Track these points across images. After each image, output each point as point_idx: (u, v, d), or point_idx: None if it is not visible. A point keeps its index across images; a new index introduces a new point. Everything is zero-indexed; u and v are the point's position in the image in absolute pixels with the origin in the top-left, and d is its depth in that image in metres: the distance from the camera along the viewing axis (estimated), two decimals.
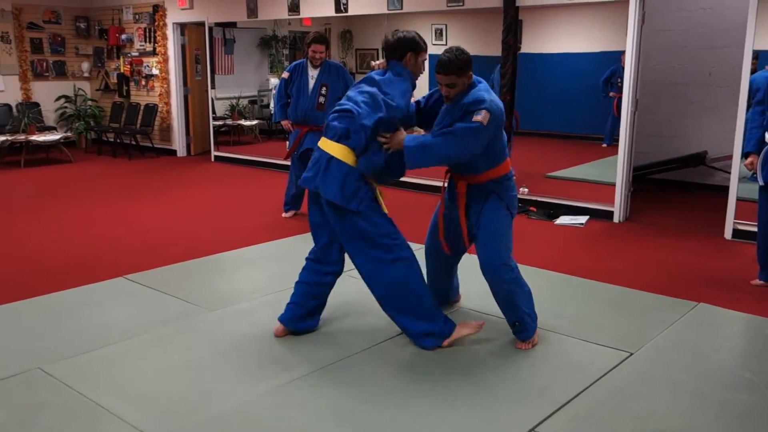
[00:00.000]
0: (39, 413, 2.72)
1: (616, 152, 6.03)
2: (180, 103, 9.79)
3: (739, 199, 5.32)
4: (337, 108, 3.20)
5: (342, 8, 7.62)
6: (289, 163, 6.10)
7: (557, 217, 6.07)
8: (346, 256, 3.34)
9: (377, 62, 3.34)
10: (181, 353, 3.26)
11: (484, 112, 3.02)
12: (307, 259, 3.42)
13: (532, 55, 9.62)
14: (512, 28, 6.31)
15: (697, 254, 5.01)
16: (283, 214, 6.08)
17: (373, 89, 3.17)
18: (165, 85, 9.78)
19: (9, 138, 8.90)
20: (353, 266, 3.31)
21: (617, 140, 6.04)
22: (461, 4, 6.72)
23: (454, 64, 3.05)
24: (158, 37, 9.65)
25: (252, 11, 8.52)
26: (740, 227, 5.34)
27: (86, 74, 10.76)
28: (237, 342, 3.37)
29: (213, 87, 9.65)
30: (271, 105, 8.12)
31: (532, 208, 6.32)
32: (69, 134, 9.82)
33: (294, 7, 8.07)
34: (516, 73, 6.45)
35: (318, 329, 3.50)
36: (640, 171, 6.97)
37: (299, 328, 3.43)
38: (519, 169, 7.11)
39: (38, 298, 3.99)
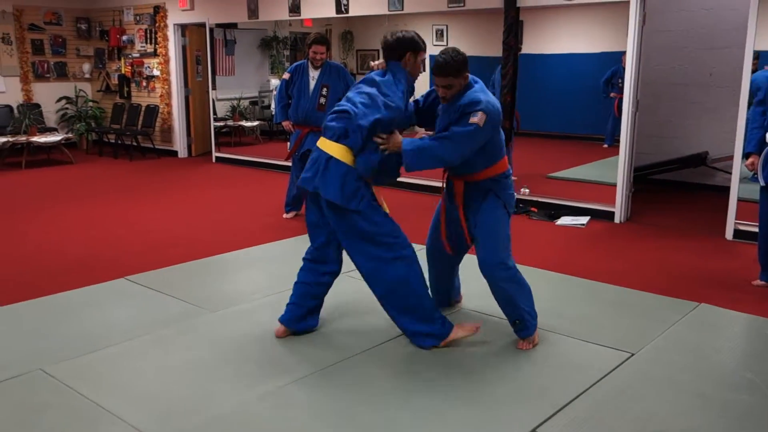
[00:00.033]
0: (40, 414, 2.72)
1: (616, 153, 6.03)
2: (181, 104, 9.80)
3: (740, 200, 5.31)
4: (335, 109, 3.21)
5: (343, 9, 7.63)
6: (290, 164, 6.11)
7: (558, 217, 6.07)
8: (345, 256, 3.34)
9: (376, 62, 3.34)
10: (182, 354, 3.26)
11: (480, 113, 3.02)
12: (304, 259, 3.42)
13: (533, 55, 9.62)
14: (513, 28, 6.31)
15: (698, 255, 5.01)
16: (284, 215, 6.08)
17: (373, 90, 3.17)
18: (166, 86, 9.79)
19: (10, 139, 8.91)
20: (353, 266, 3.32)
21: (618, 141, 6.04)
22: (462, 4, 6.72)
23: (451, 66, 3.05)
24: (159, 38, 9.66)
25: (253, 12, 8.52)
26: (741, 228, 5.33)
27: (87, 75, 10.77)
28: (238, 343, 3.37)
29: (214, 88, 9.66)
30: (272, 106, 8.12)
31: (533, 209, 6.32)
32: (70, 135, 9.83)
33: (295, 8, 8.07)
34: (517, 74, 6.45)
35: (318, 330, 3.50)
36: (641, 171, 6.97)
37: (299, 328, 3.43)
38: (520, 170, 7.15)
39: (39, 299, 4.00)
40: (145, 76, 10.04)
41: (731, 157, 5.46)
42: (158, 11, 9.59)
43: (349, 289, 4.06)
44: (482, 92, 3.12)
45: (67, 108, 10.49)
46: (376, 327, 3.52)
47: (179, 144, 9.96)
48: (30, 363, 3.14)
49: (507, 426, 2.63)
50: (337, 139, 3.12)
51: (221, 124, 10.08)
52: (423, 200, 6.53)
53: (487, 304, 3.56)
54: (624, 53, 5.89)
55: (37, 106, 10.08)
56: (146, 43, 9.92)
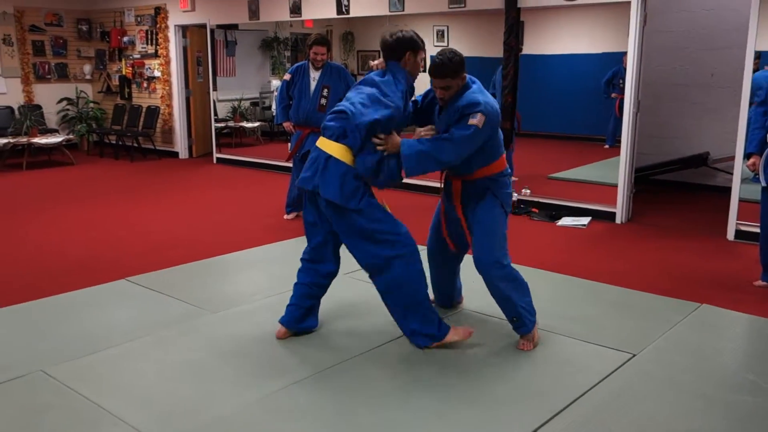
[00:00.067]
0: (41, 415, 2.72)
1: (618, 153, 6.03)
2: (182, 105, 9.81)
3: (741, 200, 5.31)
4: (334, 109, 3.21)
5: (343, 10, 7.63)
6: (290, 165, 6.10)
7: (559, 218, 6.06)
8: (345, 255, 3.34)
9: (376, 62, 3.34)
10: (183, 355, 3.26)
11: (479, 115, 3.03)
12: (302, 259, 3.42)
13: (533, 56, 9.62)
14: (514, 29, 6.31)
15: (700, 255, 5.00)
16: (285, 216, 6.08)
17: (372, 90, 3.17)
18: (167, 88, 9.79)
19: (11, 140, 8.92)
20: (353, 267, 3.31)
21: (619, 141, 6.04)
22: (463, 5, 6.72)
23: (448, 67, 3.06)
24: (160, 40, 9.67)
25: (253, 13, 8.53)
26: (743, 228, 5.33)
27: (88, 76, 10.78)
28: (239, 344, 3.37)
29: (215, 89, 9.66)
30: (273, 107, 8.12)
31: (534, 210, 6.31)
32: (71, 137, 9.84)
33: (295, 9, 8.08)
34: (518, 75, 6.45)
35: (318, 331, 3.50)
36: (642, 172, 6.96)
37: (299, 329, 3.44)
38: (521, 171, 7.15)
39: (40, 300, 4.00)
40: (146, 77, 10.05)
41: (732, 158, 5.46)
42: (159, 12, 9.60)
43: (349, 290, 4.06)
44: (480, 93, 3.12)
45: (68, 109, 10.49)
46: (376, 328, 3.52)
47: (180, 145, 9.97)
48: (31, 364, 3.14)
49: (508, 427, 2.63)
50: (336, 139, 3.11)
51: (222, 125, 10.09)
52: (423, 201, 6.52)
53: (488, 305, 3.55)
54: (625, 54, 5.89)
55: (38, 107, 10.09)
56: (147, 44, 9.93)
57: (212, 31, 9.34)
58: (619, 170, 5.96)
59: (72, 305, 3.94)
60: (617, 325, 3.64)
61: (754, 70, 5.17)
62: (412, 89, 3.33)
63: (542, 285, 4.23)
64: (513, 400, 2.83)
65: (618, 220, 5.99)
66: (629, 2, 5.68)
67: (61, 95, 10.44)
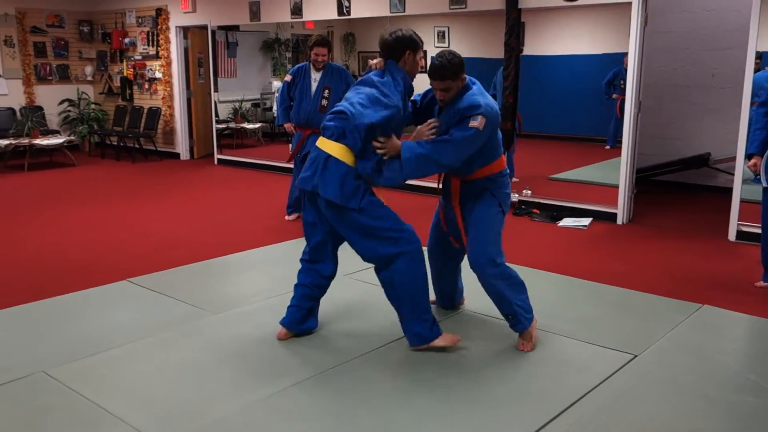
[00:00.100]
0: (43, 416, 2.72)
1: (619, 154, 6.03)
2: (183, 106, 9.82)
3: (742, 201, 5.31)
4: (333, 109, 3.21)
5: (344, 11, 7.64)
6: (291, 166, 6.11)
7: (560, 219, 6.06)
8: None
9: (374, 61, 3.33)
10: (184, 356, 3.26)
11: (480, 117, 3.03)
12: (301, 260, 3.42)
13: (534, 57, 9.62)
14: (515, 30, 6.31)
15: (701, 256, 5.00)
16: (287, 217, 6.08)
17: (372, 90, 3.16)
18: (168, 89, 9.80)
19: (13, 142, 8.93)
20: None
21: (620, 142, 6.04)
22: (464, 6, 6.73)
23: (448, 69, 3.05)
24: (161, 41, 9.68)
25: (255, 14, 8.53)
26: (744, 229, 5.33)
27: (89, 78, 10.79)
28: (240, 345, 3.37)
29: (216, 90, 9.67)
30: (274, 108, 8.12)
31: (535, 210, 6.31)
32: (72, 138, 9.84)
33: (296, 10, 8.08)
34: (519, 76, 6.45)
35: (319, 332, 3.50)
36: (643, 173, 6.96)
37: (300, 330, 3.44)
38: (522, 171, 7.16)
39: (42, 302, 4.00)
40: (147, 78, 10.05)
41: (734, 159, 5.45)
42: (160, 14, 9.61)
43: (350, 291, 4.06)
44: (481, 95, 3.12)
45: (69, 110, 10.50)
46: (376, 330, 3.52)
47: (181, 146, 9.97)
48: (32, 365, 3.15)
49: (508, 428, 2.63)
50: (336, 139, 3.11)
51: (223, 126, 10.09)
52: (424, 201, 6.52)
53: (490, 306, 3.54)
54: (626, 54, 5.89)
55: (40, 108, 10.10)
56: (148, 45, 9.94)
57: (213, 33, 9.34)
58: (620, 171, 5.96)
59: (73, 306, 3.94)
60: (618, 325, 3.63)
61: (756, 71, 5.17)
62: (411, 89, 3.33)
63: (543, 286, 4.23)
64: (514, 401, 2.83)
65: (619, 221, 5.99)
66: (630, 3, 5.68)
67: (63, 96, 10.45)
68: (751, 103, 5.01)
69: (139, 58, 10.11)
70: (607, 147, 8.98)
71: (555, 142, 10.07)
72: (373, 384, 2.99)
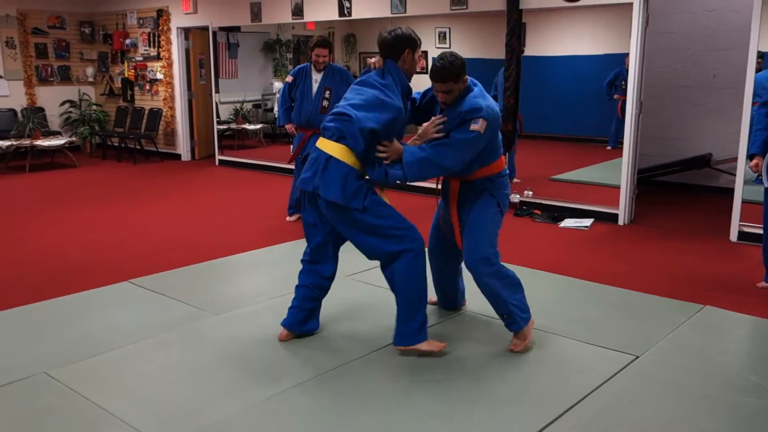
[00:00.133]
0: (45, 417, 2.72)
1: (620, 155, 6.02)
2: (184, 107, 9.82)
3: (744, 202, 5.30)
4: (334, 111, 3.19)
5: (345, 12, 7.64)
6: (292, 166, 6.11)
7: (562, 219, 6.06)
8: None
9: (374, 60, 3.32)
10: (185, 357, 3.26)
11: (481, 121, 3.03)
12: (302, 261, 3.42)
13: (535, 57, 9.60)
14: (516, 31, 6.31)
15: (702, 257, 4.99)
16: (288, 218, 6.08)
17: (375, 92, 3.15)
18: (169, 90, 9.81)
19: (14, 143, 8.94)
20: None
21: (621, 143, 6.04)
22: (465, 7, 6.73)
23: (450, 71, 3.05)
24: (162, 42, 9.68)
25: (256, 15, 8.54)
26: (745, 229, 5.32)
27: (91, 79, 10.80)
28: (241, 346, 3.37)
29: (217, 91, 9.67)
30: (275, 109, 8.13)
31: (536, 211, 6.31)
32: (74, 139, 9.85)
33: (298, 11, 8.09)
34: (520, 76, 6.45)
35: (320, 333, 3.50)
36: (644, 173, 6.96)
37: (302, 331, 3.44)
38: (523, 172, 7.15)
39: (43, 303, 4.00)
40: (148, 79, 10.06)
41: (735, 159, 5.45)
42: (161, 15, 9.62)
43: (351, 292, 4.06)
44: (482, 97, 3.12)
45: (70, 111, 10.51)
46: (377, 331, 3.52)
47: (182, 147, 9.98)
48: (34, 366, 3.15)
49: (509, 428, 2.63)
50: (337, 140, 3.10)
51: (224, 127, 10.09)
52: (424, 202, 6.52)
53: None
54: (627, 55, 5.88)
55: (41, 109, 10.11)
56: (149, 46, 9.95)
57: (214, 34, 9.35)
58: (621, 172, 5.95)
59: (74, 307, 3.94)
60: (620, 326, 3.63)
61: (757, 71, 5.16)
62: (409, 90, 3.33)
63: (544, 286, 4.23)
64: (515, 402, 2.83)
65: (620, 222, 5.98)
66: (631, 4, 5.68)
67: (64, 98, 10.46)
68: (753, 104, 5.01)
69: (141, 59, 10.11)
70: (609, 148, 8.96)
71: (556, 143, 10.05)
72: (373, 385, 2.98)
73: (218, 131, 9.71)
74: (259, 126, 10.58)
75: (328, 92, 5.61)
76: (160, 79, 9.87)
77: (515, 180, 6.93)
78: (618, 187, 6.01)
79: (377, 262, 3.28)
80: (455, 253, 3.56)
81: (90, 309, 3.91)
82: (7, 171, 8.85)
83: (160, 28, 9.65)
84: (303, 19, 8.16)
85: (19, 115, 9.85)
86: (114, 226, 5.95)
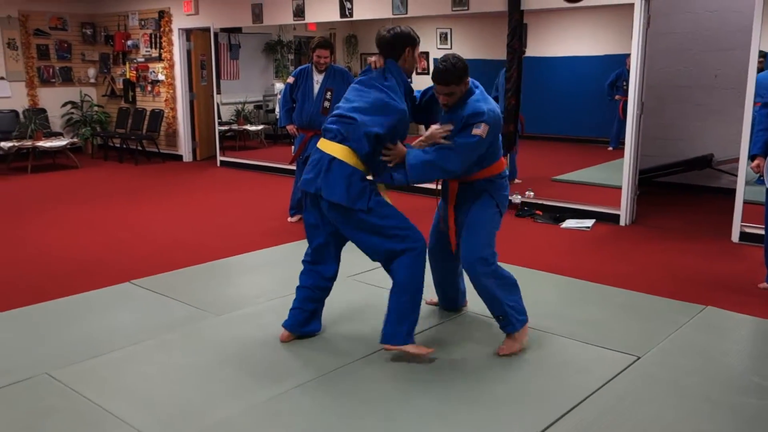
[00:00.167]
0: (46, 418, 2.72)
1: (621, 155, 6.02)
2: (186, 108, 9.83)
3: (745, 202, 5.30)
4: (337, 112, 3.18)
5: (347, 13, 7.64)
6: (294, 167, 6.11)
7: (563, 220, 6.05)
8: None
9: (374, 59, 3.32)
10: (186, 358, 3.26)
11: (483, 125, 3.03)
12: (303, 261, 3.42)
13: (537, 58, 9.60)
14: (517, 31, 6.31)
15: (704, 257, 4.99)
16: (289, 219, 6.09)
17: (380, 95, 3.14)
18: (171, 91, 9.82)
19: (16, 144, 8.95)
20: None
21: (623, 143, 6.03)
22: (466, 8, 6.73)
23: (452, 74, 3.04)
24: (164, 43, 9.69)
25: (257, 16, 8.54)
26: (747, 230, 5.31)
27: (92, 80, 10.82)
28: (242, 347, 3.37)
29: (218, 92, 9.68)
30: (277, 110, 8.13)
31: (537, 212, 6.30)
32: (75, 140, 9.86)
33: (299, 12, 8.09)
34: (521, 77, 6.45)
35: (321, 334, 3.50)
36: (646, 174, 6.95)
37: (303, 332, 3.43)
38: (525, 173, 7.15)
39: (45, 303, 4.01)
40: (149, 80, 10.07)
41: (737, 160, 5.44)
42: (163, 16, 9.63)
43: (352, 293, 4.06)
44: (483, 100, 3.12)
45: (72, 113, 10.52)
46: (378, 331, 3.50)
47: (184, 148, 9.98)
48: (35, 367, 3.15)
49: (509, 429, 2.62)
50: (340, 141, 3.10)
51: (226, 128, 10.10)
52: (424, 203, 6.52)
53: None
54: (628, 56, 5.88)
55: (43, 111, 10.12)
56: (151, 47, 9.95)
57: (216, 35, 9.35)
58: (623, 172, 5.95)
59: (75, 308, 3.94)
60: (621, 327, 3.62)
61: (759, 71, 5.16)
62: (411, 89, 3.33)
63: (545, 287, 4.22)
64: (515, 402, 2.83)
65: (622, 222, 5.98)
66: (633, 4, 5.68)
67: (66, 99, 10.47)
68: (754, 104, 5.00)
69: (142, 60, 10.12)
70: (610, 148, 8.95)
71: (557, 144, 10.05)
72: (374, 385, 2.99)
73: (220, 132, 9.72)
74: (260, 127, 10.58)
75: (329, 93, 5.61)
76: (162, 80, 9.88)
77: (517, 181, 6.93)
78: (619, 188, 6.00)
79: (379, 263, 3.28)
80: (455, 254, 3.56)
81: (91, 310, 3.91)
82: (8, 172, 8.87)
83: (162, 29, 9.66)
84: (304, 20, 8.16)
85: (21, 116, 9.86)
86: (115, 226, 5.96)
